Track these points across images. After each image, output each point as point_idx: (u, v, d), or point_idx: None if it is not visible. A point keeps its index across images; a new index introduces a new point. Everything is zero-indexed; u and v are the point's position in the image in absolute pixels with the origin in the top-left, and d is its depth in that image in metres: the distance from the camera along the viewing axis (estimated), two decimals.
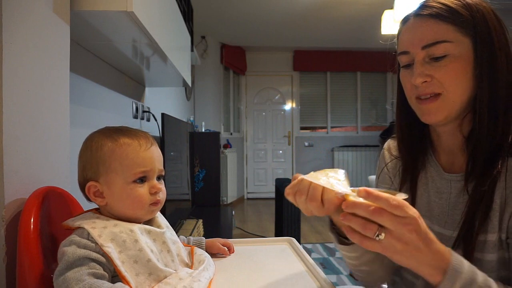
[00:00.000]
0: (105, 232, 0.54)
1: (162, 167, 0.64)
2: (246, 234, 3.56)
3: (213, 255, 0.83)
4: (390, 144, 0.84)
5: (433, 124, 0.67)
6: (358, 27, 4.44)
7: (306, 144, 5.68)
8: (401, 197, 0.48)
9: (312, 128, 5.83)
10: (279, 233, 2.87)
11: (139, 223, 0.60)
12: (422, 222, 0.48)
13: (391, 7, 2.58)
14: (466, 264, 0.50)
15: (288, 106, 5.72)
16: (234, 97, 5.61)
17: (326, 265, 2.77)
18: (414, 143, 0.74)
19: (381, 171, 0.83)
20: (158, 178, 0.64)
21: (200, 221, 2.25)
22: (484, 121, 0.60)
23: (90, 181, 0.59)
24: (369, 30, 4.36)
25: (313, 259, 0.91)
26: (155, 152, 0.63)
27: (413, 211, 0.47)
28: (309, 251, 3.05)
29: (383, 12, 2.87)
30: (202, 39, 4.76)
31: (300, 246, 0.88)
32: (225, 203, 4.62)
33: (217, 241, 0.84)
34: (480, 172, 0.61)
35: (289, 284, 0.67)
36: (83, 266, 0.50)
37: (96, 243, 0.53)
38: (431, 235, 0.49)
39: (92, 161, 0.59)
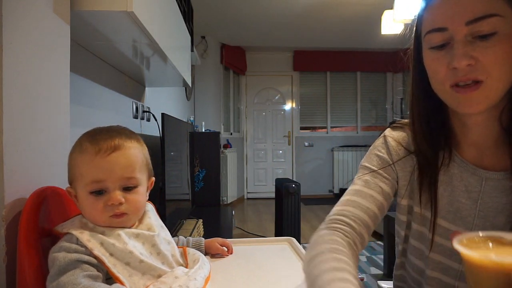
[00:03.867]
0: (93, 237, 0.54)
1: (131, 175, 0.58)
2: (246, 234, 3.56)
3: (213, 255, 0.83)
4: (395, 135, 0.71)
5: (472, 114, 0.57)
6: (358, 27, 4.44)
7: (306, 144, 5.68)
8: None
9: (312, 128, 5.83)
10: (279, 233, 2.87)
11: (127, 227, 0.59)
12: None
13: (391, 7, 2.58)
14: None
15: (288, 106, 5.72)
16: (234, 97, 5.61)
17: None
18: (434, 137, 0.64)
19: (381, 163, 0.70)
20: (127, 187, 0.58)
21: (200, 221, 2.24)
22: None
23: (69, 184, 0.60)
24: (369, 30, 4.36)
25: None
26: (119, 158, 0.57)
27: None
28: None
29: (383, 12, 2.87)
30: (202, 39, 4.76)
31: (300, 246, 0.88)
32: (225, 203, 4.62)
33: (216, 241, 0.84)
34: None
35: (289, 284, 0.67)
36: (77, 269, 0.50)
37: (86, 247, 0.53)
38: None
39: (68, 165, 0.60)
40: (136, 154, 0.60)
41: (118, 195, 0.56)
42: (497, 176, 0.59)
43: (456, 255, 0.61)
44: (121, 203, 0.57)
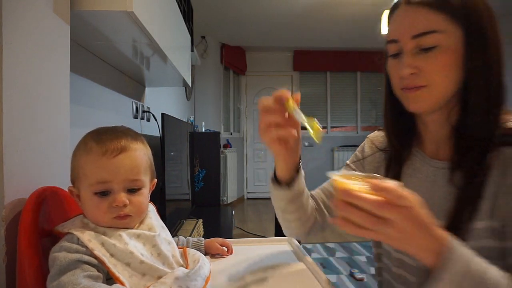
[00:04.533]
0: (94, 237, 0.54)
1: (136, 177, 0.58)
2: (246, 234, 3.56)
3: (213, 255, 0.83)
4: (375, 135, 0.86)
5: (419, 112, 0.66)
6: (358, 27, 4.44)
7: (306, 144, 5.68)
8: (390, 182, 0.46)
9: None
10: (279, 233, 2.87)
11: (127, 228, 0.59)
12: (419, 210, 0.47)
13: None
14: (463, 249, 0.48)
15: None
16: (234, 97, 5.61)
17: (326, 265, 2.77)
18: (402, 134, 0.74)
19: (356, 159, 0.86)
20: (131, 189, 0.58)
21: (200, 221, 2.25)
22: (477, 113, 0.60)
23: (71, 184, 0.59)
24: (369, 30, 4.36)
25: (313, 259, 0.91)
26: (125, 160, 0.56)
27: (409, 199, 0.46)
28: (309, 251, 3.05)
29: (383, 12, 2.87)
30: (202, 39, 4.76)
31: (300, 246, 0.88)
32: (225, 203, 4.62)
33: (216, 241, 0.84)
34: (468, 162, 0.61)
35: (289, 284, 0.67)
36: (77, 269, 0.50)
37: (87, 248, 0.52)
38: (428, 221, 0.47)
39: (71, 164, 0.59)
40: (141, 156, 0.60)
41: (123, 196, 0.56)
42: (443, 165, 0.67)
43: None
44: (125, 205, 0.56)
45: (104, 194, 0.56)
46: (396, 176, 0.72)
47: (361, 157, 0.85)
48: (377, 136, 0.85)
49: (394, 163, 0.74)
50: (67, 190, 0.62)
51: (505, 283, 0.47)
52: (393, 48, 0.65)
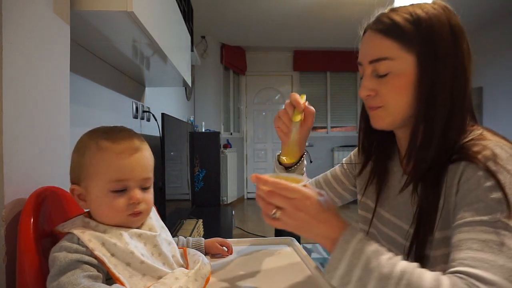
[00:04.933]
0: (94, 237, 0.54)
1: (149, 175, 0.61)
2: (246, 234, 3.56)
3: (213, 255, 0.83)
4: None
5: (381, 129, 0.70)
6: (358, 27, 4.43)
7: (306, 144, 5.67)
8: (300, 182, 0.56)
9: (312, 128, 5.81)
10: (279, 233, 2.87)
11: (129, 228, 0.59)
12: (311, 202, 0.54)
13: None
14: (358, 237, 0.54)
15: None
16: (234, 97, 5.61)
17: (326, 265, 2.76)
18: (378, 148, 0.78)
19: (348, 160, 0.94)
20: (144, 187, 0.60)
21: (200, 221, 2.25)
22: (417, 136, 0.63)
23: (74, 183, 0.59)
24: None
25: (313, 259, 0.91)
26: (140, 159, 0.59)
27: (301, 193, 0.54)
28: (309, 251, 3.05)
29: None
30: (202, 39, 4.76)
31: (300, 246, 0.88)
32: (225, 203, 4.62)
33: (216, 241, 0.84)
34: (424, 180, 0.63)
35: (289, 284, 0.67)
36: (77, 269, 0.50)
37: (87, 248, 0.52)
38: (324, 213, 0.55)
39: (76, 164, 0.58)
40: (150, 155, 0.63)
41: (138, 194, 0.58)
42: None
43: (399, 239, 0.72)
44: (139, 202, 0.58)
45: (120, 191, 0.57)
46: (379, 184, 0.78)
47: (353, 161, 0.92)
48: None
49: (374, 175, 0.79)
50: (67, 190, 0.62)
51: (400, 268, 0.50)
52: (361, 70, 0.70)
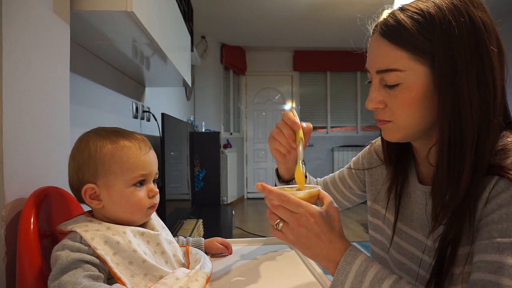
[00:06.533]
0: (97, 235, 0.54)
1: (157, 171, 0.65)
2: (246, 234, 3.56)
3: (213, 255, 0.83)
4: (378, 144, 0.83)
5: (392, 141, 0.65)
6: (358, 27, 4.43)
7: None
8: (300, 194, 0.56)
9: (312, 128, 5.82)
10: None
11: (133, 226, 0.60)
12: (316, 220, 0.52)
13: (391, 7, 2.58)
14: (360, 260, 0.52)
15: (288, 106, 5.72)
16: (234, 97, 5.61)
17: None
18: (398, 156, 0.72)
19: (358, 166, 0.88)
20: (153, 181, 0.64)
21: (200, 221, 2.25)
22: (444, 154, 0.54)
23: (87, 183, 0.58)
24: (369, 30, 4.36)
25: None
26: (153, 155, 0.64)
27: (305, 208, 0.52)
28: None
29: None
30: (202, 39, 4.76)
31: None
32: (225, 203, 4.62)
33: (216, 241, 0.84)
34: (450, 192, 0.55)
35: (289, 284, 0.68)
36: (78, 268, 0.50)
37: (89, 246, 0.52)
38: (328, 233, 0.53)
39: (89, 163, 0.58)
40: (155, 153, 0.66)
41: (155, 187, 0.63)
42: (429, 190, 0.64)
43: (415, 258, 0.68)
44: (157, 194, 0.63)
45: (141, 184, 0.61)
46: (396, 196, 0.72)
47: (363, 166, 0.86)
48: (380, 145, 0.81)
49: (393, 183, 0.73)
50: (67, 190, 0.62)
51: None
52: (368, 76, 0.64)
